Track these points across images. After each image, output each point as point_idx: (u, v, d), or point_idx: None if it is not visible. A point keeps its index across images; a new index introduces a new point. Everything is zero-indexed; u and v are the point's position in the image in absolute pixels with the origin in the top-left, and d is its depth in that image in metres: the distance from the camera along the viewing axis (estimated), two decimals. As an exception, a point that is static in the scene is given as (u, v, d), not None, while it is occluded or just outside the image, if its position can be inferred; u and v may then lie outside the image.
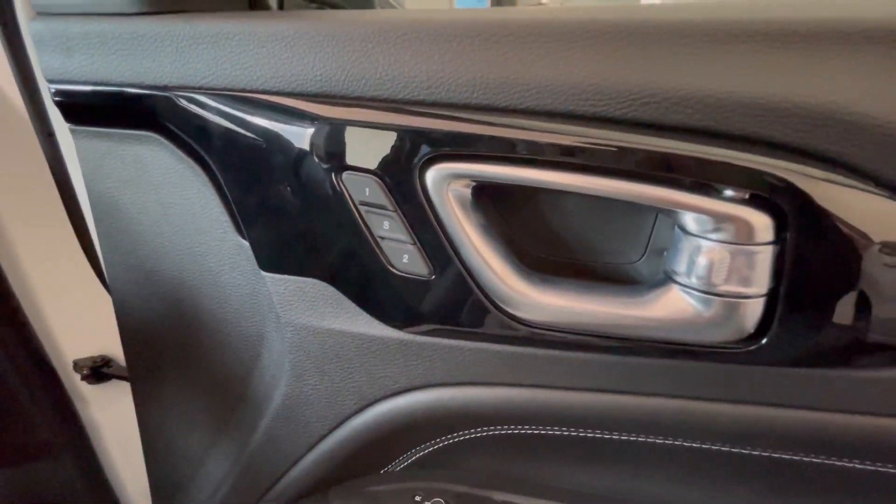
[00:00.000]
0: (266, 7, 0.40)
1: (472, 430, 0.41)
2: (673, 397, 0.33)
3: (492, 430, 0.40)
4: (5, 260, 0.53)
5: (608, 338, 0.32)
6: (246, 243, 0.38)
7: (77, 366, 0.63)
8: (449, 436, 0.42)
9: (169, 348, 0.46)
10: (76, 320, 0.62)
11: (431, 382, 0.37)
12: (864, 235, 0.26)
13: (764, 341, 0.29)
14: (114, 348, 0.65)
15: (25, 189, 0.52)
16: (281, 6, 0.42)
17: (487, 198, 0.33)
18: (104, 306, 0.62)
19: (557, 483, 0.43)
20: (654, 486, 0.41)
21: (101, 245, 0.44)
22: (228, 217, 0.38)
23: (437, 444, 0.43)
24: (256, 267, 0.38)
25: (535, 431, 0.39)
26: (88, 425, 0.66)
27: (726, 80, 0.26)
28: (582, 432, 0.38)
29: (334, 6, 0.54)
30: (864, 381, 0.30)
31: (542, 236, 0.35)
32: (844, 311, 0.28)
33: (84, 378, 0.63)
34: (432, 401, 0.37)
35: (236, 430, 0.46)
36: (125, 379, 0.64)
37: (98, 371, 0.64)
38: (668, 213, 0.31)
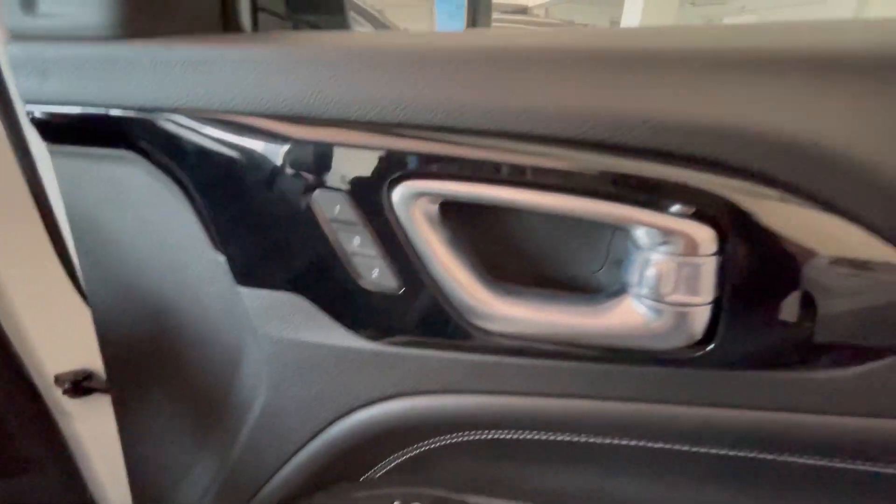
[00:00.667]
0: (240, 29, 0.42)
1: (448, 436, 0.42)
2: (633, 401, 0.35)
3: (466, 436, 0.42)
4: None
5: (569, 346, 0.34)
6: (223, 258, 0.39)
7: (58, 380, 0.63)
8: (425, 441, 0.43)
9: (149, 361, 0.47)
10: (56, 335, 0.62)
11: (404, 392, 0.38)
12: (796, 244, 0.28)
13: (711, 347, 0.31)
14: (95, 362, 0.65)
15: (3, 205, 0.52)
16: (255, 28, 0.44)
17: (454, 213, 0.34)
18: (84, 320, 0.63)
19: (532, 485, 0.44)
20: (624, 486, 0.42)
21: (80, 261, 0.45)
22: (205, 233, 0.39)
23: (415, 449, 0.44)
24: (234, 281, 0.39)
25: (509, 436, 0.41)
26: (71, 439, 0.66)
27: (668, 103, 0.28)
28: (553, 436, 0.39)
29: (313, 25, 0.55)
30: (805, 381, 0.32)
31: (508, 250, 0.37)
32: (782, 316, 0.30)
33: (65, 392, 0.63)
34: (406, 409, 0.39)
35: (217, 441, 0.47)
36: (107, 392, 0.64)
37: (79, 385, 0.65)
38: (621, 228, 0.33)
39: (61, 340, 0.63)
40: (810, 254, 0.28)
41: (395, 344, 0.37)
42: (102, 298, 0.45)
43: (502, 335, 0.34)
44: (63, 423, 0.66)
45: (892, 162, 0.27)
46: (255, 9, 0.43)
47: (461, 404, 0.38)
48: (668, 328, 0.31)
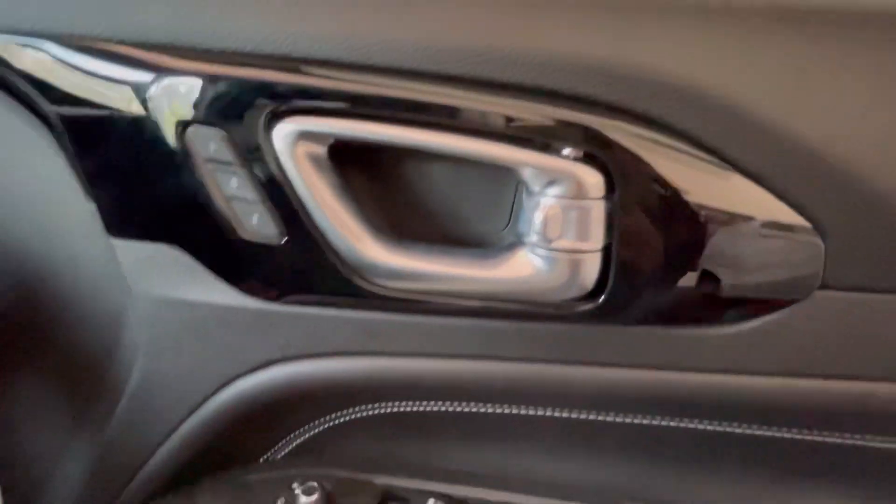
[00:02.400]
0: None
1: (345, 412, 0.39)
2: (528, 361, 0.33)
3: (365, 411, 0.39)
4: None
5: (463, 301, 0.32)
6: (94, 206, 0.35)
7: None
8: (323, 418, 0.40)
9: (19, 332, 0.42)
10: None
11: (291, 354, 0.35)
12: (686, 193, 0.28)
13: (602, 298, 0.30)
14: None
15: None
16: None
17: (347, 159, 0.32)
18: None
19: (439, 463, 0.42)
20: (530, 461, 0.41)
21: None
22: (77, 179, 0.35)
23: (313, 428, 0.41)
24: (105, 239, 0.35)
25: (408, 408, 0.38)
26: None
27: (553, 39, 0.27)
28: (454, 406, 0.37)
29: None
30: (696, 338, 0.31)
31: (410, 205, 0.35)
32: (671, 268, 0.29)
33: None
34: (294, 375, 0.36)
35: (93, 420, 0.42)
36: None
37: None
38: (515, 175, 0.31)
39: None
40: (699, 204, 0.28)
41: (280, 301, 0.34)
42: None
43: (393, 290, 0.32)
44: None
45: (767, 109, 0.27)
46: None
47: (353, 368, 0.35)
48: (558, 277, 0.30)
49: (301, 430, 0.41)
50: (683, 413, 0.34)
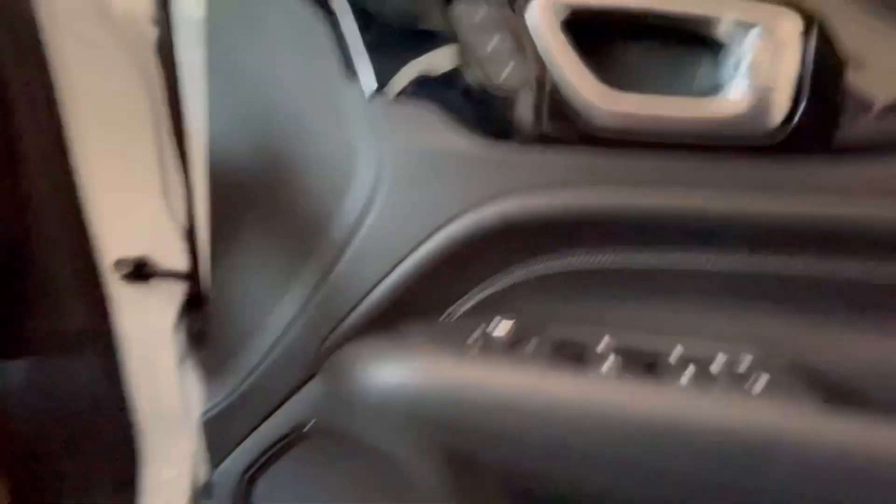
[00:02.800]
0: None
1: (534, 259, 0.46)
2: (723, 189, 0.41)
3: (551, 260, 0.46)
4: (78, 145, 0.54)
5: (671, 137, 0.40)
6: (355, 79, 0.44)
7: (116, 263, 0.63)
8: (508, 270, 0.47)
9: (257, 193, 0.49)
10: (120, 217, 0.62)
11: (517, 188, 0.43)
12: (862, 48, 0.37)
13: (792, 126, 0.38)
14: (154, 251, 0.64)
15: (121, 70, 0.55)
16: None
17: (580, 30, 0.41)
18: (150, 206, 0.63)
19: (612, 319, 0.47)
20: (698, 315, 0.46)
21: (209, 90, 0.48)
22: (340, 53, 0.44)
23: (499, 280, 0.47)
24: (361, 101, 0.44)
25: (592, 263, 0.45)
26: (117, 328, 0.65)
27: None
28: (636, 256, 0.44)
29: None
30: (868, 169, 0.39)
31: (627, 63, 0.43)
32: (851, 101, 0.38)
33: (124, 277, 0.62)
34: (517, 208, 0.43)
35: (311, 269, 0.48)
36: (167, 276, 0.64)
37: (137, 272, 0.64)
38: (715, 30, 0.40)
39: (123, 223, 0.63)
40: (873, 55, 0.37)
41: (517, 142, 0.42)
42: (222, 129, 0.49)
43: (613, 131, 0.41)
44: (112, 310, 0.65)
45: None
46: None
47: (570, 203, 0.42)
48: (758, 109, 0.39)
49: (484, 283, 0.48)
50: (849, 247, 0.41)
